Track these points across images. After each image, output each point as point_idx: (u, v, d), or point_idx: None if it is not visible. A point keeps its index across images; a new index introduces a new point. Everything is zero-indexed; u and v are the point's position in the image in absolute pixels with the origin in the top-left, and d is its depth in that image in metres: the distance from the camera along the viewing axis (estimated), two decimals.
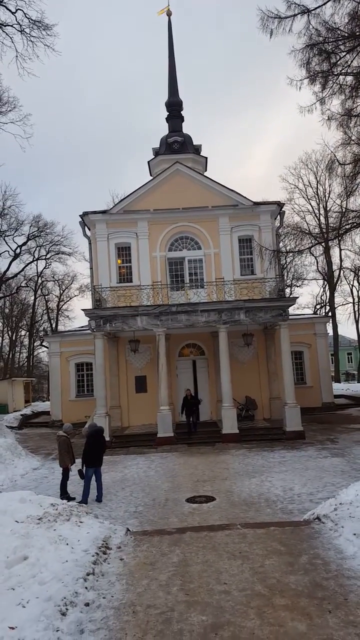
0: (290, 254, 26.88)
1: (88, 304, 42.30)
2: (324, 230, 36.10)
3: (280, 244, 23.89)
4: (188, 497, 10.50)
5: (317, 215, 43.05)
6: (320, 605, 4.94)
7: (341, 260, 44.78)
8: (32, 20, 17.63)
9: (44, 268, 49.54)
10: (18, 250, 43.54)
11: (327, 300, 46.53)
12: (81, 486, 10.74)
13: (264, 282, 20.16)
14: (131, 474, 13.23)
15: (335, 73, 16.15)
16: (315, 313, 44.08)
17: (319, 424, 20.78)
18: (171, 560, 6.27)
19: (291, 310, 20.47)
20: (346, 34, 15.87)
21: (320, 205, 43.00)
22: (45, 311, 53.86)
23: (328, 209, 40.69)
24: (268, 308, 18.34)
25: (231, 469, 13.25)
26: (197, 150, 27.06)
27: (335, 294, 45.41)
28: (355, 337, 50.86)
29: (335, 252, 44.19)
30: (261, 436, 17.93)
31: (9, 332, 54.45)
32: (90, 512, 8.04)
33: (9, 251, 42.77)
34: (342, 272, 45.55)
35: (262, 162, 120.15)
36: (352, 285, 48.24)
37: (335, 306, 45.16)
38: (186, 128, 30.43)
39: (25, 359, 55.43)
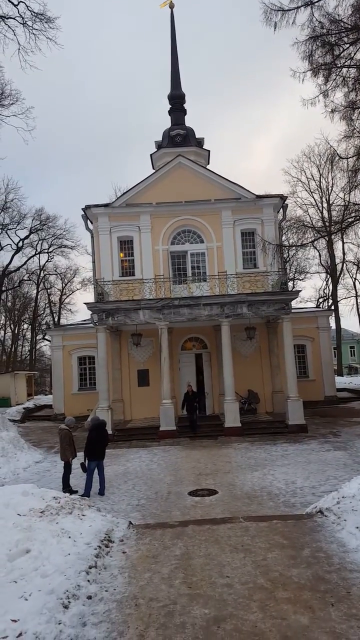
0: (293, 248, 26.69)
1: (90, 298, 42.24)
2: (326, 223, 35.92)
3: (283, 237, 23.82)
4: (190, 491, 10.52)
5: (320, 208, 42.84)
6: (323, 598, 4.94)
7: (344, 254, 44.58)
8: (34, 12, 17.50)
9: (46, 261, 49.54)
10: (20, 244, 43.58)
11: (330, 293, 46.38)
12: (83, 479, 10.76)
13: (266, 276, 20.10)
14: (134, 467, 13.26)
15: (339, 65, 16.02)
16: (318, 306, 43.99)
17: (322, 417, 20.77)
18: (173, 554, 6.28)
19: (294, 303, 20.41)
20: (349, 26, 15.72)
21: (323, 199, 42.77)
22: (47, 305, 53.90)
23: (331, 202, 40.49)
24: (271, 301, 18.28)
25: (233, 462, 13.26)
26: (199, 143, 26.90)
27: (338, 288, 45.28)
28: (358, 331, 50.75)
29: (338, 246, 43.97)
30: (263, 429, 17.93)
31: (12, 326, 54.51)
32: (92, 506, 8.05)
33: (11, 244, 42.83)
34: (345, 265, 45.35)
35: (266, 155, 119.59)
36: (355, 279, 48.08)
37: (338, 299, 45.04)
38: (189, 121, 30.32)
39: (28, 353, 55.52)
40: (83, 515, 7.06)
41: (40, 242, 46.82)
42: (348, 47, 15.97)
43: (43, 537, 5.89)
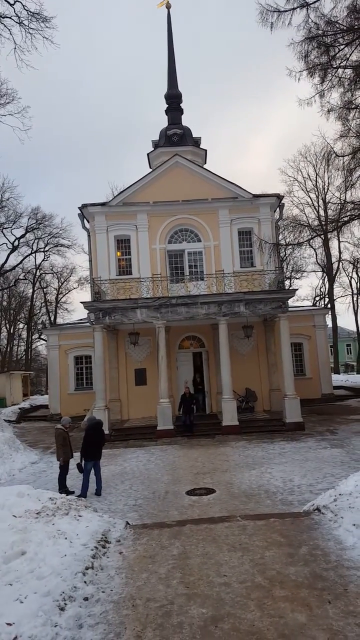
0: (290, 246, 26.75)
1: (87, 297, 42.21)
2: (323, 222, 36.00)
3: (280, 236, 23.84)
4: (188, 490, 10.50)
5: (316, 207, 42.98)
6: (320, 596, 4.92)
7: (340, 252, 44.80)
8: (30, 12, 17.46)
9: (43, 260, 49.44)
10: (16, 243, 43.48)
11: (326, 292, 46.54)
12: (80, 480, 10.72)
13: (263, 274, 20.09)
14: (131, 467, 13.23)
15: (334, 66, 16.06)
16: (314, 305, 44.09)
17: (319, 415, 20.81)
18: (171, 553, 6.25)
19: (290, 302, 20.42)
20: (345, 27, 15.77)
21: (319, 198, 42.93)
22: (43, 304, 53.76)
23: (327, 201, 40.59)
24: (268, 300, 18.29)
25: (231, 460, 13.25)
26: (196, 142, 26.87)
27: (334, 286, 45.45)
28: (354, 329, 50.90)
29: (334, 244, 44.20)
30: (261, 428, 17.94)
31: (7, 325, 54.29)
32: (89, 506, 8.02)
33: (7, 243, 42.73)
34: (341, 264, 45.57)
35: (265, 155, 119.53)
36: (351, 277, 48.29)
37: (335, 298, 45.21)
38: (186, 120, 30.29)
39: (24, 352, 55.37)
40: (79, 516, 7.02)
41: (36, 241, 46.78)
42: (343, 48, 16.02)
43: (39, 539, 5.85)
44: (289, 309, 19.17)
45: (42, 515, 6.69)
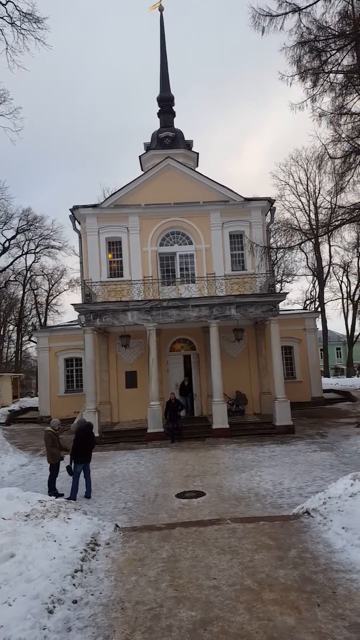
0: (281, 250, 26.88)
1: (78, 299, 41.98)
2: (314, 226, 36.25)
3: (271, 240, 23.97)
4: (178, 493, 10.49)
5: (307, 211, 43.31)
6: (309, 599, 4.94)
7: (330, 257, 45.13)
8: (22, 12, 17.40)
9: (33, 262, 49.19)
10: (7, 244, 43.28)
11: (317, 295, 46.81)
12: (70, 482, 10.68)
13: (254, 278, 20.17)
14: (121, 470, 13.19)
15: (326, 71, 16.22)
16: (305, 308, 44.31)
17: (309, 418, 20.89)
18: (160, 556, 6.24)
19: (281, 305, 20.51)
20: (336, 33, 15.95)
21: (310, 202, 43.28)
22: (34, 306, 53.45)
23: (318, 205, 40.87)
24: (259, 303, 18.36)
25: (221, 463, 13.26)
26: (188, 145, 26.95)
27: (325, 290, 45.75)
28: (344, 333, 51.23)
29: (325, 248, 44.51)
30: (251, 431, 17.97)
31: None
32: (78, 509, 7.97)
33: None
34: (331, 268, 45.92)
35: (258, 159, 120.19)
36: (341, 281, 48.67)
37: (325, 302, 45.50)
38: (179, 123, 30.38)
39: (13, 354, 54.96)
40: (69, 518, 6.99)
41: (27, 243, 46.58)
42: (335, 53, 16.19)
43: (28, 541, 5.82)
44: (280, 313, 19.25)
45: (32, 518, 6.65)
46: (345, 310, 48.61)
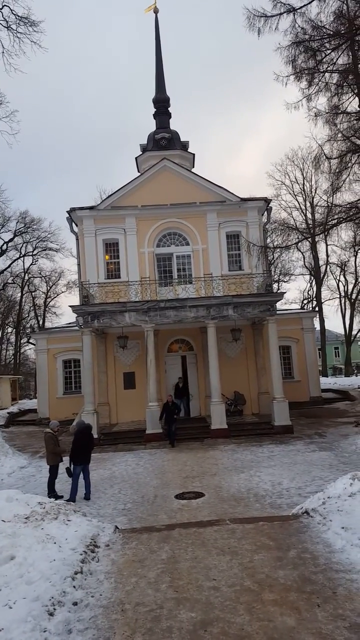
0: (278, 250, 26.93)
1: (75, 301, 41.99)
2: (310, 225, 36.29)
3: (268, 240, 23.97)
4: (177, 494, 10.49)
5: (304, 211, 43.37)
6: (309, 599, 4.94)
7: (327, 256, 45.18)
8: (18, 16, 17.41)
9: (31, 264, 49.22)
10: (4, 247, 43.24)
11: (314, 295, 46.88)
12: (69, 484, 10.67)
13: (251, 278, 20.20)
14: (120, 471, 13.18)
15: (321, 70, 16.26)
16: (302, 308, 44.37)
17: (307, 418, 20.91)
18: (160, 557, 6.24)
19: (279, 305, 20.53)
20: (331, 32, 15.98)
21: (307, 201, 43.33)
22: (32, 308, 53.42)
23: (314, 204, 40.95)
24: (256, 303, 18.37)
25: (220, 464, 13.26)
26: (184, 146, 26.95)
27: (322, 289, 45.81)
28: (342, 332, 51.29)
29: (321, 248, 44.57)
30: (250, 431, 17.98)
31: None
32: (78, 510, 7.97)
33: None
34: (328, 267, 45.97)
35: (256, 160, 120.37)
36: (339, 280, 48.69)
37: (322, 301, 45.57)
38: (175, 125, 30.39)
39: (12, 357, 54.90)
40: (68, 520, 6.98)
41: (24, 245, 46.60)
42: (330, 53, 16.22)
43: (28, 544, 5.81)
44: (277, 312, 19.27)
45: (31, 520, 6.65)
46: (343, 310, 48.69)
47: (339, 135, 16.98)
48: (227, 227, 22.02)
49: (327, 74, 16.38)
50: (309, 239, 31.32)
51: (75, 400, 22.73)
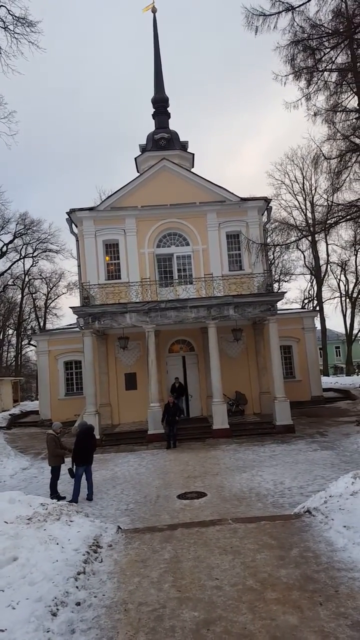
0: (278, 249, 26.93)
1: (76, 302, 41.98)
2: (310, 224, 36.27)
3: (268, 240, 23.96)
4: (179, 494, 10.50)
5: (304, 210, 43.30)
6: (312, 598, 4.96)
7: (328, 255, 45.12)
8: (15, 17, 17.39)
9: (31, 266, 49.17)
10: (4, 249, 43.26)
11: (315, 294, 46.83)
12: (71, 485, 10.69)
13: (252, 278, 20.20)
14: (122, 472, 13.20)
15: (320, 69, 16.26)
16: (303, 307, 44.34)
17: (308, 417, 20.91)
18: (163, 557, 6.25)
19: (279, 305, 20.55)
20: (330, 31, 15.97)
21: (307, 201, 43.24)
22: (32, 309, 53.40)
23: (314, 203, 40.92)
24: (257, 303, 18.38)
25: (222, 464, 13.27)
26: (183, 146, 26.95)
27: (323, 288, 45.75)
28: (343, 331, 51.26)
29: (322, 247, 44.51)
30: (251, 431, 17.99)
31: None
32: (80, 511, 7.99)
33: None
34: (329, 266, 45.88)
35: (256, 160, 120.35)
36: (339, 280, 48.61)
37: (323, 300, 45.48)
38: (174, 125, 30.37)
39: (13, 358, 54.91)
40: (71, 521, 7.00)
41: (24, 247, 46.58)
42: (329, 52, 16.21)
43: (31, 545, 5.83)
44: (278, 312, 19.28)
45: (34, 521, 6.67)
46: (344, 309, 48.64)
47: (338, 134, 17.00)
48: (227, 227, 22.03)
49: (326, 73, 16.40)
50: (309, 238, 31.29)
51: (77, 402, 22.75)
